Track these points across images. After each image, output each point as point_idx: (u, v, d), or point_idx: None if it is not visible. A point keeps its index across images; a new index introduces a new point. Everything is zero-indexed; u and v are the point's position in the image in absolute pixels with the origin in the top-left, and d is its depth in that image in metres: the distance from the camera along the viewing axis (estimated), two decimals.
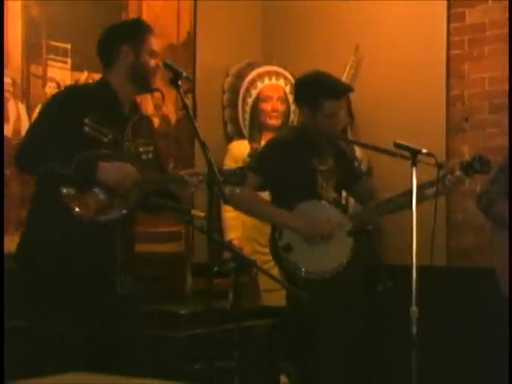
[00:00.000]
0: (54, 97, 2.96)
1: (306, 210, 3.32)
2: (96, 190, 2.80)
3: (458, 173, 3.30)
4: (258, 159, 3.47)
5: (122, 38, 2.95)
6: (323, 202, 3.36)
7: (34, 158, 2.73)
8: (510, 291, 3.42)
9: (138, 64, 2.94)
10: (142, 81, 2.96)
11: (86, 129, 2.82)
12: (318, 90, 3.35)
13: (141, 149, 3.00)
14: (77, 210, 2.75)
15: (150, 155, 3.04)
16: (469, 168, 3.31)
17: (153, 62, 2.96)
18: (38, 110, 3.05)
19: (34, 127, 2.88)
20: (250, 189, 3.32)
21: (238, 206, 3.44)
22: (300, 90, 3.45)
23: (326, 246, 3.29)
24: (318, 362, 3.28)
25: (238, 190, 3.29)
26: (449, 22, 4.37)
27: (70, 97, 2.88)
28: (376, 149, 3.51)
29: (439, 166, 3.16)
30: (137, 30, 2.98)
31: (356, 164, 4.07)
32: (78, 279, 2.77)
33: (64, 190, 2.74)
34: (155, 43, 3.00)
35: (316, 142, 3.42)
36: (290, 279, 3.26)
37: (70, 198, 2.74)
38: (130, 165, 2.85)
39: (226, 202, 2.88)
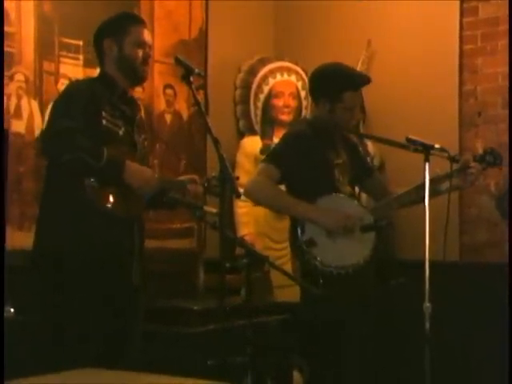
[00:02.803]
0: (67, 92, 2.95)
1: (328, 203, 3.27)
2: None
3: (474, 164, 3.29)
4: (276, 152, 3.41)
5: (104, 34, 2.99)
6: (342, 196, 3.32)
7: (63, 145, 2.71)
8: (509, 291, 3.42)
9: (121, 56, 2.96)
10: (130, 73, 2.98)
11: (104, 121, 2.84)
12: (338, 82, 3.29)
13: (145, 143, 3.07)
14: (109, 206, 2.77)
15: (146, 150, 3.13)
16: (482, 161, 3.31)
17: (140, 53, 2.97)
18: (50, 106, 3.01)
19: (56, 118, 2.82)
20: (271, 181, 3.28)
21: (257, 198, 3.36)
22: (318, 82, 3.38)
23: (349, 240, 3.25)
24: (337, 357, 3.26)
25: (258, 181, 3.27)
26: (462, 16, 4.34)
27: (84, 91, 2.89)
28: (389, 142, 3.48)
29: (453, 159, 3.16)
30: (118, 24, 3.00)
31: (368, 159, 4.04)
32: (99, 270, 2.78)
33: (88, 181, 2.74)
34: (144, 34, 3.00)
35: (330, 136, 3.39)
36: (310, 274, 3.22)
37: (92, 189, 2.75)
38: (150, 169, 2.89)
39: (239, 197, 2.88)
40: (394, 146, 3.40)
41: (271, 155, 3.40)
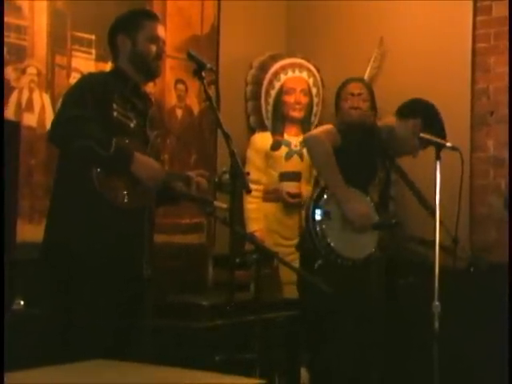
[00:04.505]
0: (80, 83, 2.95)
1: (360, 197, 3.36)
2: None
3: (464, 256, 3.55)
4: (348, 124, 3.53)
5: (117, 29, 3.00)
6: (370, 202, 3.41)
7: (72, 132, 2.72)
8: (509, 290, 3.43)
9: (135, 51, 2.96)
10: (143, 68, 2.98)
11: (115, 114, 2.85)
12: (434, 117, 3.49)
13: (158, 140, 3.07)
14: (125, 200, 2.78)
15: (159, 147, 3.14)
16: (474, 259, 3.59)
17: (153, 48, 2.97)
18: (61, 98, 3.02)
19: (67, 107, 2.83)
20: (329, 143, 3.33)
21: (310, 150, 3.43)
22: (421, 104, 3.57)
23: (355, 236, 3.32)
24: (333, 351, 3.29)
25: (320, 137, 3.34)
26: (475, 14, 4.33)
27: (96, 83, 2.89)
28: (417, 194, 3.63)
29: (454, 240, 3.34)
30: (132, 19, 3.00)
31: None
32: (109, 261, 2.78)
33: (96, 171, 2.74)
34: (157, 29, 3.00)
35: (386, 150, 3.52)
36: (312, 245, 3.26)
37: (100, 179, 2.75)
38: (157, 162, 2.89)
39: (249, 193, 2.88)
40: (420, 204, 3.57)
41: (341, 125, 3.51)
